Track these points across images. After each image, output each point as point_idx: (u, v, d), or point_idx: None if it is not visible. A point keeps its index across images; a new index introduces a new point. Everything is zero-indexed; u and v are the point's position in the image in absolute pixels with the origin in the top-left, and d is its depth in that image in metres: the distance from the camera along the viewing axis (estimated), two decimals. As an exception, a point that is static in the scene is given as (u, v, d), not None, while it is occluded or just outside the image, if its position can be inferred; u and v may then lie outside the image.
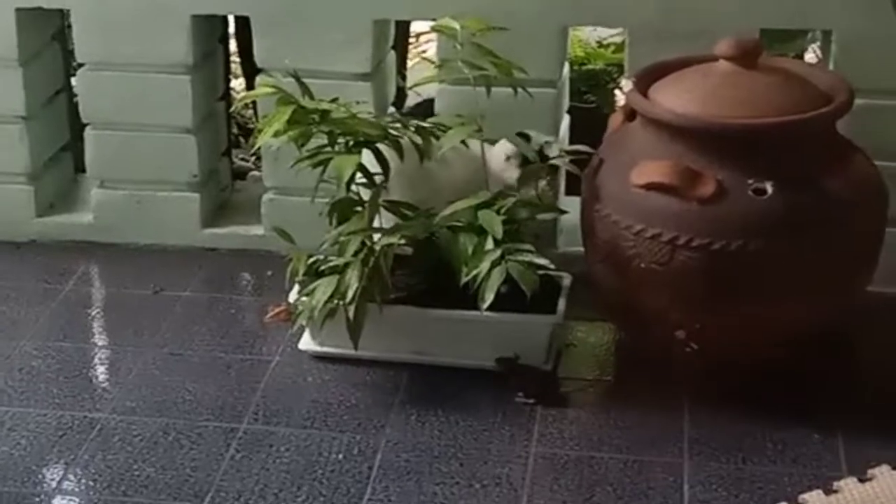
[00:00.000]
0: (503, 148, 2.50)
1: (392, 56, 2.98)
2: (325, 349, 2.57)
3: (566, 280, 2.56)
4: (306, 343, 2.59)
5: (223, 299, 2.81)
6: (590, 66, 3.49)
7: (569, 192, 2.85)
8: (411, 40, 3.95)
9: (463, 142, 2.45)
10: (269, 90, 2.48)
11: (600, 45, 3.60)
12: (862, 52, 2.58)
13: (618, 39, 3.59)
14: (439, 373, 2.50)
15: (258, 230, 2.99)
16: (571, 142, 2.78)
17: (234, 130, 3.48)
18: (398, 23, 3.01)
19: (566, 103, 2.91)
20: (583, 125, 2.94)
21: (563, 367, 2.53)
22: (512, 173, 2.47)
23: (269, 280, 2.87)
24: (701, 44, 2.45)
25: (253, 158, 3.51)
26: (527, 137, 2.52)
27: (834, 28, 2.61)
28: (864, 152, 2.37)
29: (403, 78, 3.44)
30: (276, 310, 2.67)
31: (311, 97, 2.48)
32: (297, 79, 2.50)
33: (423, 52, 4.27)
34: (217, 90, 3.07)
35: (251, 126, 3.50)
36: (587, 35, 3.67)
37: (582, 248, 2.50)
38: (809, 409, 2.39)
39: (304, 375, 2.53)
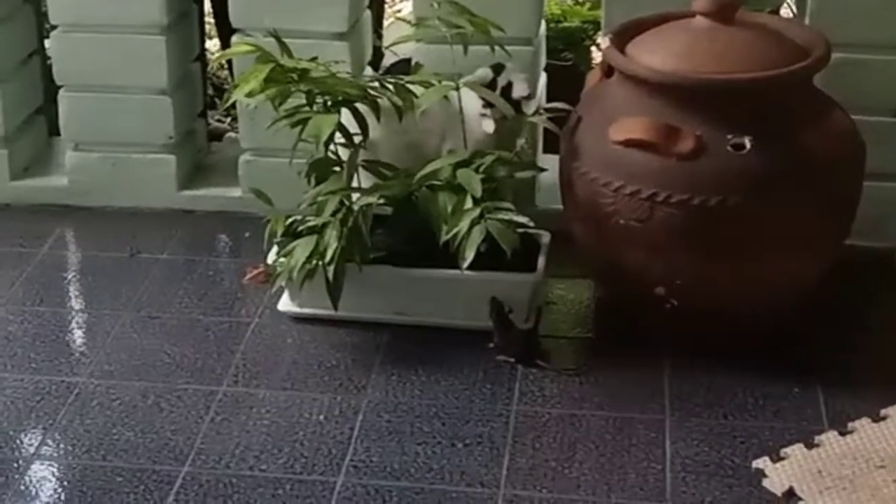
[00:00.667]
0: (478, 100, 2.48)
1: (368, 15, 2.96)
2: (305, 310, 2.56)
3: (545, 238, 2.55)
4: (285, 304, 2.58)
5: (201, 262, 2.80)
6: (566, 24, 3.46)
7: (547, 150, 2.84)
8: (387, 0, 3.93)
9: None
10: (247, 48, 2.46)
11: (576, 2, 3.57)
12: (837, 5, 2.57)
13: (593, -3, 3.57)
14: (420, 333, 2.50)
15: (235, 192, 2.97)
16: (549, 99, 2.77)
17: (210, 92, 3.46)
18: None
19: (543, 61, 2.89)
20: (560, 83, 2.93)
21: (543, 324, 2.53)
22: (488, 124, 2.46)
23: (247, 242, 2.86)
24: (678, 1, 2.43)
25: (229, 120, 3.49)
26: (500, 68, 2.50)
27: (812, -18, 2.60)
28: (842, 107, 2.36)
29: (380, 37, 3.42)
30: (255, 271, 2.67)
31: (291, 56, 2.46)
32: (277, 38, 2.47)
33: (399, 11, 4.25)
34: (192, 51, 3.05)
35: (226, 87, 3.47)
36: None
37: (560, 206, 2.50)
38: (789, 363, 2.40)
39: (283, 337, 2.52)
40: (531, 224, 2.30)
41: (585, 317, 2.57)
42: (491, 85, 2.50)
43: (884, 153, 2.55)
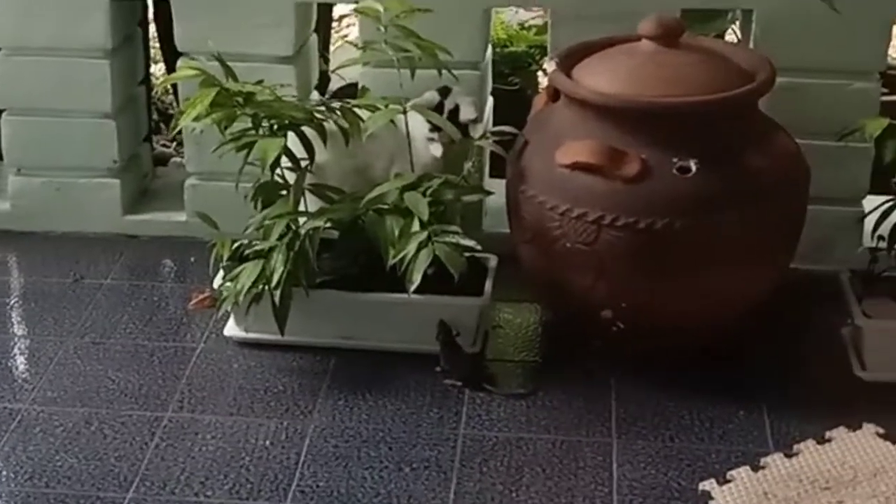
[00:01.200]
0: (425, 124, 2.48)
1: (314, 39, 2.95)
2: (251, 335, 2.54)
3: (492, 261, 2.55)
4: (231, 329, 2.57)
5: (145, 287, 2.78)
6: (512, 49, 3.47)
7: (493, 175, 2.84)
8: (333, 24, 3.92)
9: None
10: (192, 72, 2.44)
11: (522, 27, 3.58)
12: (781, 30, 2.59)
13: (539, 22, 3.58)
14: (367, 357, 2.49)
15: (180, 216, 2.95)
16: (495, 124, 2.78)
17: (155, 116, 3.44)
18: (320, 5, 2.98)
19: (490, 85, 2.90)
20: (506, 107, 2.94)
21: (490, 348, 2.53)
22: (436, 148, 2.46)
23: (193, 267, 2.85)
24: (623, 25, 2.45)
25: (174, 144, 3.47)
26: (447, 91, 2.51)
27: (755, 7, 2.62)
28: (786, 130, 2.38)
29: (326, 61, 3.41)
30: (200, 296, 2.64)
31: (235, 79, 2.45)
32: (221, 61, 2.47)
33: (346, 35, 4.24)
34: (137, 75, 3.03)
35: (171, 112, 3.46)
36: (509, 18, 3.66)
37: (507, 230, 2.50)
38: (735, 386, 2.41)
39: (229, 362, 2.51)
40: (478, 248, 2.29)
41: (532, 340, 2.57)
42: (438, 108, 2.51)
43: (828, 177, 2.57)
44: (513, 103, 3.01)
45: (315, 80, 3.01)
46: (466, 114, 2.49)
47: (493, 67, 2.96)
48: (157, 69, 3.69)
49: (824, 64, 2.64)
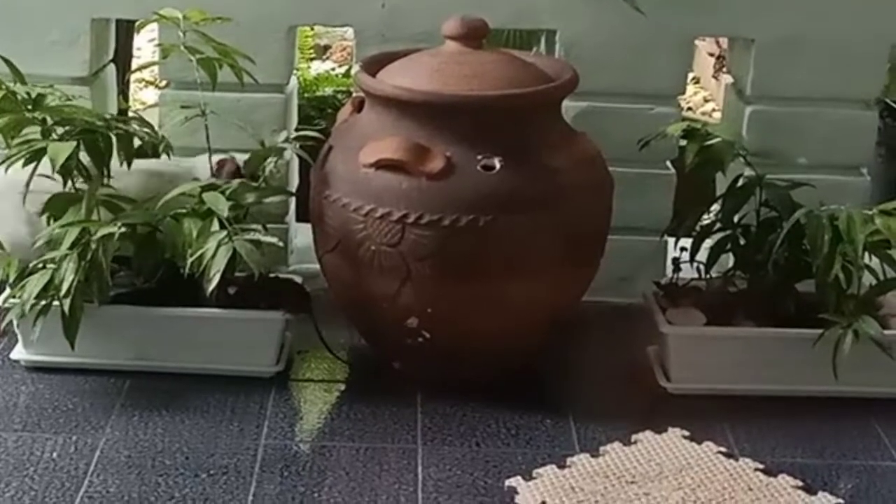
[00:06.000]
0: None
1: (113, 69, 2.87)
2: (40, 357, 2.42)
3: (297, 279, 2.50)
4: (19, 353, 2.44)
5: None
6: (319, 93, 3.45)
7: (300, 219, 2.79)
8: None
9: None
10: (-24, 75, 2.34)
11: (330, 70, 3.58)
12: (584, 54, 2.61)
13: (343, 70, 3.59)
14: (164, 379, 2.39)
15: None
16: (301, 167, 2.75)
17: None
18: (119, 35, 2.91)
19: (295, 114, 2.85)
20: (313, 150, 2.88)
21: (295, 366, 2.45)
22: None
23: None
24: (428, 46, 2.43)
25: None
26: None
27: (559, 28, 2.64)
28: (588, 136, 2.38)
29: (126, 98, 3.32)
30: (-14, 324, 2.52)
31: (24, 82, 2.35)
32: (7, 62, 2.36)
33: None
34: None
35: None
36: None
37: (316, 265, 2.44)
38: (542, 398, 2.38)
39: (16, 385, 2.38)
40: (280, 243, 2.22)
41: (338, 356, 2.49)
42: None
43: (631, 206, 2.58)
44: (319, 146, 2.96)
45: (113, 112, 2.92)
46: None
47: (300, 111, 2.92)
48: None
49: (627, 88, 2.66)
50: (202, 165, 2.48)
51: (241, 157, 2.49)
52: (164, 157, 2.45)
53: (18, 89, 2.33)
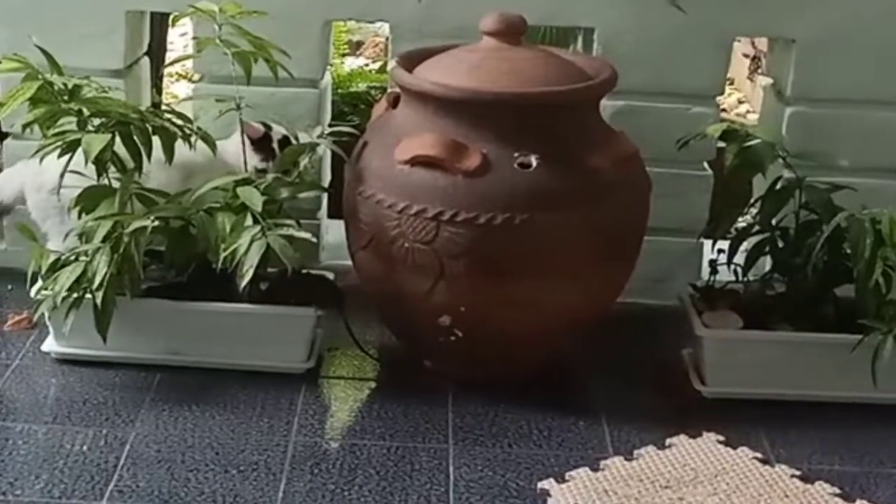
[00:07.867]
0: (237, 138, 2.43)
1: (147, 63, 2.86)
2: (71, 350, 2.41)
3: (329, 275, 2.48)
4: (50, 345, 2.43)
5: (-43, 312, 2.63)
6: (353, 89, 3.43)
7: (332, 216, 2.77)
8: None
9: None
10: (16, 65, 2.32)
11: (364, 66, 3.56)
12: (623, 51, 2.58)
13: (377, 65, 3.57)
14: (194, 374, 2.37)
15: (-1, 245, 2.81)
16: (334, 163, 2.72)
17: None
18: (153, 29, 2.90)
19: (329, 109, 2.83)
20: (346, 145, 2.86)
21: (326, 363, 2.43)
22: (253, 159, 2.39)
23: (10, 294, 2.69)
24: (463, 42, 2.41)
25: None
26: (268, 128, 2.46)
27: (597, 26, 2.61)
28: (626, 134, 2.35)
29: (159, 92, 3.31)
30: (17, 318, 2.52)
31: (61, 73, 2.34)
32: (45, 52, 2.35)
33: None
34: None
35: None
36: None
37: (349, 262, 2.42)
38: (575, 400, 2.36)
39: (46, 377, 2.37)
40: (314, 239, 2.20)
41: (370, 353, 2.47)
42: (265, 138, 2.44)
43: (667, 207, 2.55)
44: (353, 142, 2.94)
45: (147, 105, 2.90)
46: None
47: (333, 107, 2.91)
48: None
49: (665, 87, 2.63)
50: (233, 149, 2.44)
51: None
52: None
53: (55, 80, 2.31)
